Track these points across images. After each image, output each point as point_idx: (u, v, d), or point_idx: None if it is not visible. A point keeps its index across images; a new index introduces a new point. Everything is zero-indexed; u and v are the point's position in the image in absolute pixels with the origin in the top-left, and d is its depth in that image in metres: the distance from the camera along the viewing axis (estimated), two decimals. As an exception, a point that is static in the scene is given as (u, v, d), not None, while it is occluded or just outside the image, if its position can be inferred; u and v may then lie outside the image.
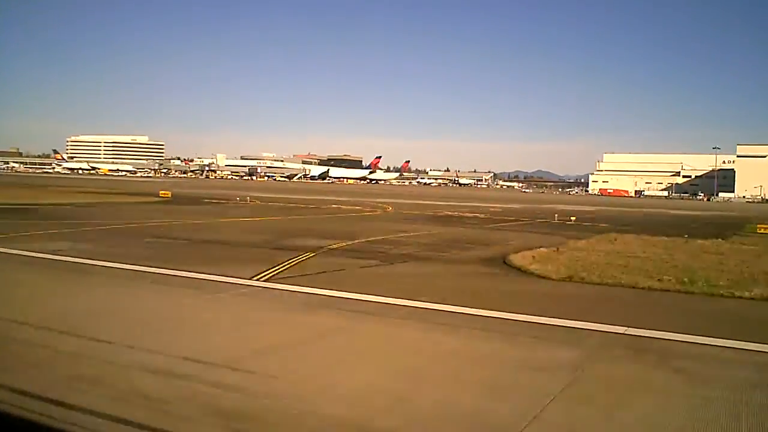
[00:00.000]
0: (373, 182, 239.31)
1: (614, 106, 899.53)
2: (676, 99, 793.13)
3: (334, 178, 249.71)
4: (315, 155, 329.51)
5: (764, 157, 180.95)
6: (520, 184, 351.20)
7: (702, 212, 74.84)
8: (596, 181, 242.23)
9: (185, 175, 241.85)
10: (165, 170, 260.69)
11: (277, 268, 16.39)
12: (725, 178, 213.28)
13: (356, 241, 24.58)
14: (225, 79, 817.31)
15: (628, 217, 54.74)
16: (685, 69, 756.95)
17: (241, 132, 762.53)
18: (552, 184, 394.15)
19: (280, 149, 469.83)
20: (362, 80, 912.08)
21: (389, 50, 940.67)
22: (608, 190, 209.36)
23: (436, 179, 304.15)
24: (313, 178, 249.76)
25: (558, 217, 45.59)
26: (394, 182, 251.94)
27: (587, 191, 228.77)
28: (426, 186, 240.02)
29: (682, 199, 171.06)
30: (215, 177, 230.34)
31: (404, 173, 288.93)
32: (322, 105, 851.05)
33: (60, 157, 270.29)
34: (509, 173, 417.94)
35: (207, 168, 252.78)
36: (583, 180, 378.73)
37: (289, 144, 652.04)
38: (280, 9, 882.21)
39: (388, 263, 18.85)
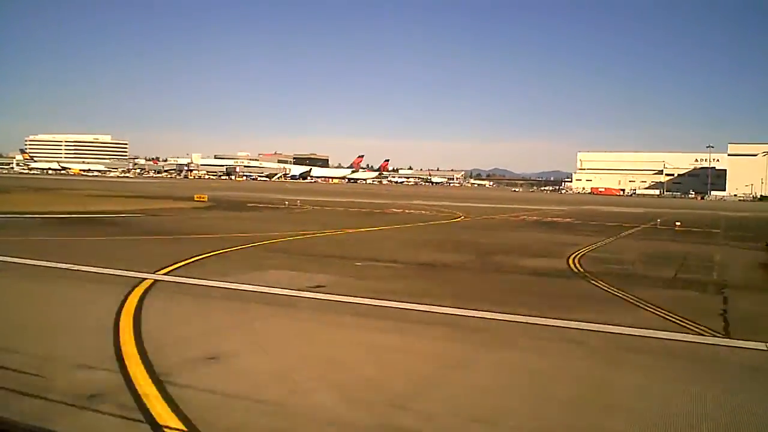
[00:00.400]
0: (352, 181, 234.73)
1: (579, 107, 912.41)
2: (640, 98, 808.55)
3: (317, 177, 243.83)
4: (281, 154, 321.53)
5: (755, 155, 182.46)
6: (491, 183, 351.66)
7: (740, 213, 72.20)
8: (580, 180, 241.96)
9: (161, 175, 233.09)
10: (140, 170, 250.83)
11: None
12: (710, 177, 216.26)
13: (573, 255, 20.25)
14: (188, 78, 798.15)
15: (707, 220, 51.33)
16: (654, 66, 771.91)
17: (205, 131, 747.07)
18: (523, 182, 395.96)
19: (244, 148, 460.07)
20: (314, 80, 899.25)
21: (340, 49, 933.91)
22: (599, 189, 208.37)
23: (408, 178, 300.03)
24: (294, 177, 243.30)
25: (660, 222, 42.78)
26: (371, 182, 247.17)
27: (561, 190, 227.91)
28: (406, 185, 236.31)
29: (675, 197, 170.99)
30: (193, 177, 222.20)
31: (383, 172, 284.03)
32: (282, 104, 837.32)
33: (28, 157, 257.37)
34: (468, 171, 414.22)
35: (186, 168, 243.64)
36: (552, 178, 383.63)
37: (254, 143, 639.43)
38: (254, 7, 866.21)
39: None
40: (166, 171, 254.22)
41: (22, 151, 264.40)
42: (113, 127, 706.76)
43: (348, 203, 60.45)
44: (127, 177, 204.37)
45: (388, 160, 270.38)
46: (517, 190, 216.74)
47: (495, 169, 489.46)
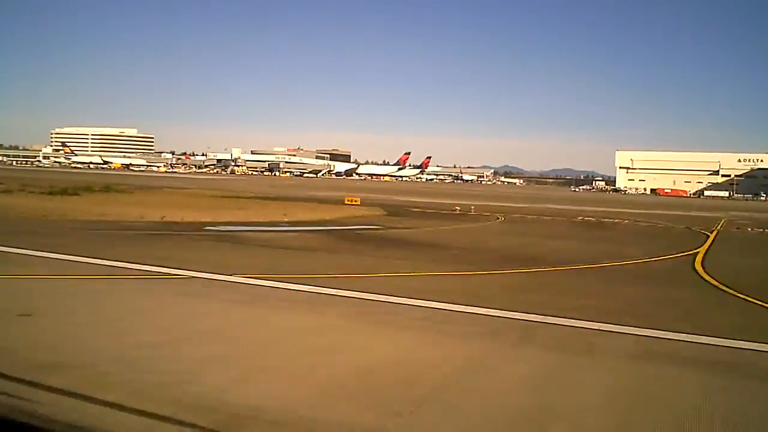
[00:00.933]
0: (400, 179, 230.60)
1: (578, 104, 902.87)
2: (654, 96, 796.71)
3: (366, 174, 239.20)
4: (303, 150, 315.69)
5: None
6: (521, 181, 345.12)
7: None
8: (632, 180, 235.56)
9: (205, 171, 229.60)
10: (182, 165, 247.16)
11: None
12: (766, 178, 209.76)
13: None
14: (214, 74, 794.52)
15: None
16: (664, 66, 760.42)
17: (226, 126, 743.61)
18: (552, 180, 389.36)
19: (269, 143, 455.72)
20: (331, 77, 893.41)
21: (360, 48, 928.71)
22: (665, 190, 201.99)
23: (437, 175, 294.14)
24: (338, 174, 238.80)
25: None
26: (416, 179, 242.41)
27: (592, 189, 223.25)
28: (446, 183, 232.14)
29: (747, 200, 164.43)
30: (240, 173, 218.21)
31: (425, 169, 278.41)
32: (302, 100, 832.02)
33: (69, 151, 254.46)
34: (476, 167, 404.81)
35: (233, 163, 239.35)
36: (566, 176, 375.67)
37: (274, 138, 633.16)
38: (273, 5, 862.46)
39: None
40: (206, 166, 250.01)
41: (64, 145, 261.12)
42: (125, 120, 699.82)
43: (488, 207, 55.57)
44: (177, 172, 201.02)
45: (429, 158, 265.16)
46: (559, 189, 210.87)
47: (505, 166, 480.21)
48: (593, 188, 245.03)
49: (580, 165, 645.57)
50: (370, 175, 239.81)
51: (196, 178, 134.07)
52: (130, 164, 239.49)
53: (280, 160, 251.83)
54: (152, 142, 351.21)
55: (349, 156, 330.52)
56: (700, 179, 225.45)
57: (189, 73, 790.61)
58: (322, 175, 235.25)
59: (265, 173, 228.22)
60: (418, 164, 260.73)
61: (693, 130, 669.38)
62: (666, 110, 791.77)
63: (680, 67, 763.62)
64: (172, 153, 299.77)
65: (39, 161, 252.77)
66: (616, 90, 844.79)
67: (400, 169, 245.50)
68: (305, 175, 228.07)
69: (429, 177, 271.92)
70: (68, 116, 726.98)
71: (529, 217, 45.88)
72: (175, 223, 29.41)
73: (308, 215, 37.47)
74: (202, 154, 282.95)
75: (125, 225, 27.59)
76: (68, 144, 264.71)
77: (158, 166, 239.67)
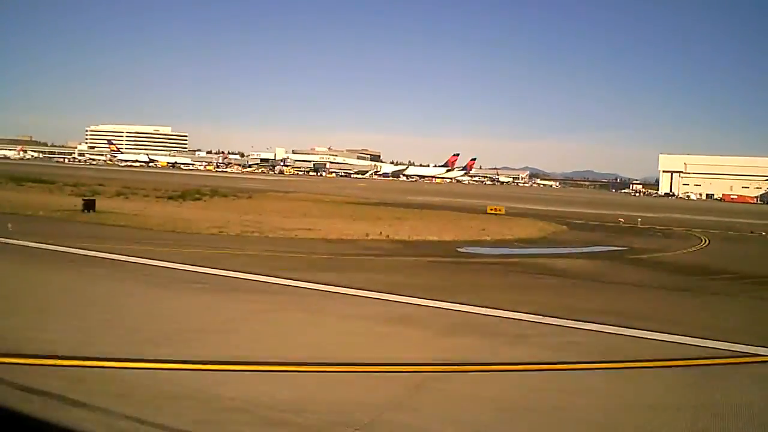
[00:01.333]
0: (450, 181, 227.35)
1: (599, 105, 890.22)
2: (681, 97, 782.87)
3: (417, 176, 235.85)
4: (334, 149, 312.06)
5: None
6: (556, 184, 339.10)
7: None
8: (687, 184, 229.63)
9: (250, 170, 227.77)
10: (226, 163, 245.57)
11: None
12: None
13: None
14: (245, 74, 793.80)
15: None
16: (688, 67, 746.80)
17: (257, 126, 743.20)
18: (588, 184, 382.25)
19: (300, 143, 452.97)
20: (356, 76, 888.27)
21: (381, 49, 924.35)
22: (731, 196, 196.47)
23: (472, 177, 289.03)
24: (385, 175, 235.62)
25: None
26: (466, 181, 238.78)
27: (635, 193, 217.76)
28: (489, 186, 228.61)
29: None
30: (289, 173, 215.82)
31: (469, 171, 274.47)
32: (326, 100, 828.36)
33: (115, 149, 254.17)
34: (497, 167, 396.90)
35: (282, 163, 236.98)
36: (587, 178, 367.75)
37: (305, 138, 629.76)
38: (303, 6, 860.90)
39: None
40: (249, 165, 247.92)
41: (110, 143, 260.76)
42: (155, 118, 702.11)
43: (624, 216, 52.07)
44: (228, 172, 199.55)
45: (474, 159, 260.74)
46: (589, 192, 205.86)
47: (525, 167, 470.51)
48: (637, 192, 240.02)
49: (602, 167, 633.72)
50: (420, 176, 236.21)
51: (260, 179, 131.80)
52: (176, 163, 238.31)
53: (325, 160, 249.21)
54: (186, 140, 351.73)
55: (379, 156, 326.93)
56: (758, 185, 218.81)
57: (221, 73, 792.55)
58: (369, 176, 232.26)
59: (310, 173, 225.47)
60: (463, 166, 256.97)
61: (726, 132, 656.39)
62: (700, 112, 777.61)
63: (707, 67, 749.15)
64: (214, 151, 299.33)
65: (75, 158, 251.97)
66: (638, 91, 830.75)
67: (448, 170, 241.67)
68: (352, 175, 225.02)
69: (476, 179, 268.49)
70: (98, 114, 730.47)
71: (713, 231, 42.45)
72: (415, 242, 26.69)
73: (505, 230, 34.46)
74: (240, 154, 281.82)
75: (367, 246, 24.95)
76: (114, 142, 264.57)
77: (204, 165, 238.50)
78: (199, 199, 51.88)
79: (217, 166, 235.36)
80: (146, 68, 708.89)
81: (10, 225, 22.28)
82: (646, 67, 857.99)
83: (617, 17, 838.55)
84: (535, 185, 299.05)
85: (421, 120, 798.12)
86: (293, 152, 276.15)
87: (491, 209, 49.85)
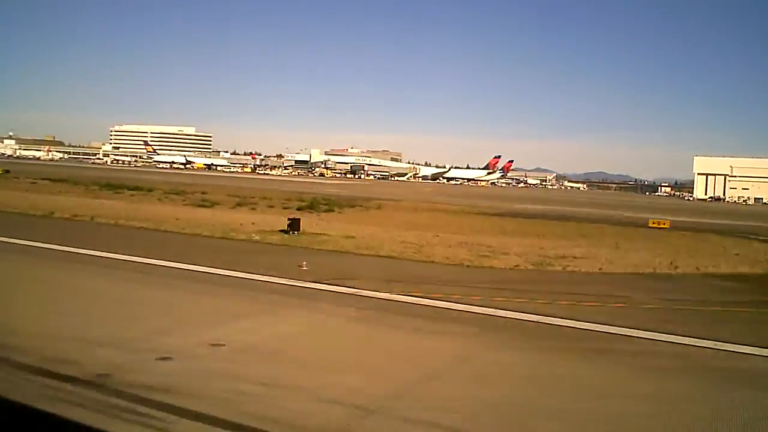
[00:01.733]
0: (493, 184, 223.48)
1: (610, 106, 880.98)
2: (692, 97, 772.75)
3: (460, 179, 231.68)
4: (354, 150, 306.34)
5: None
6: (584, 186, 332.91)
7: None
8: (734, 188, 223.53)
9: (287, 172, 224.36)
10: (265, 165, 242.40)
11: None
12: None
13: None
14: (269, 73, 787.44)
15: None
16: (696, 67, 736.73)
17: (279, 127, 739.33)
18: (616, 185, 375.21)
19: (321, 144, 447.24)
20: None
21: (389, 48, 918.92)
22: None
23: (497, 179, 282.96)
24: (425, 177, 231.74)
25: None
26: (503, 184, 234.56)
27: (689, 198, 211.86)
28: (532, 189, 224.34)
29: None
30: (329, 175, 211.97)
31: (506, 173, 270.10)
32: (347, 101, 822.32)
33: (151, 150, 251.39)
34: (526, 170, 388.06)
35: (322, 165, 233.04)
36: (601, 180, 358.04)
37: (325, 138, 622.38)
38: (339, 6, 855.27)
39: None
40: (286, 168, 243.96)
41: (146, 144, 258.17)
42: (173, 118, 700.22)
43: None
44: (268, 174, 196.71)
45: (512, 161, 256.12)
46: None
47: (537, 168, 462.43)
48: (671, 195, 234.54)
49: (614, 169, 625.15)
50: (464, 179, 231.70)
51: (322, 182, 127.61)
52: (212, 164, 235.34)
53: (362, 162, 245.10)
54: (210, 140, 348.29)
55: (400, 157, 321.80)
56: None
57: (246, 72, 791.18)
58: (407, 178, 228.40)
59: (347, 176, 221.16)
60: (500, 168, 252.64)
61: (737, 133, 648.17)
62: (708, 114, 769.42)
63: (718, 67, 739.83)
64: (249, 152, 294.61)
65: (100, 158, 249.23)
66: (650, 91, 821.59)
67: (489, 173, 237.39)
68: (390, 178, 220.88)
69: (503, 182, 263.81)
70: (120, 115, 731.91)
71: None
72: (709, 275, 22.58)
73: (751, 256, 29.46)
74: (278, 156, 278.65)
75: (689, 287, 20.71)
76: (151, 143, 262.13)
77: (241, 167, 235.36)
78: (331, 210, 48.10)
79: (254, 169, 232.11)
80: (164, 68, 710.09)
81: (305, 263, 18.50)
82: (658, 69, 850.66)
83: (599, 16, 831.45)
84: (562, 188, 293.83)
85: (429, 120, 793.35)
86: (325, 153, 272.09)
87: (653, 223, 45.42)
